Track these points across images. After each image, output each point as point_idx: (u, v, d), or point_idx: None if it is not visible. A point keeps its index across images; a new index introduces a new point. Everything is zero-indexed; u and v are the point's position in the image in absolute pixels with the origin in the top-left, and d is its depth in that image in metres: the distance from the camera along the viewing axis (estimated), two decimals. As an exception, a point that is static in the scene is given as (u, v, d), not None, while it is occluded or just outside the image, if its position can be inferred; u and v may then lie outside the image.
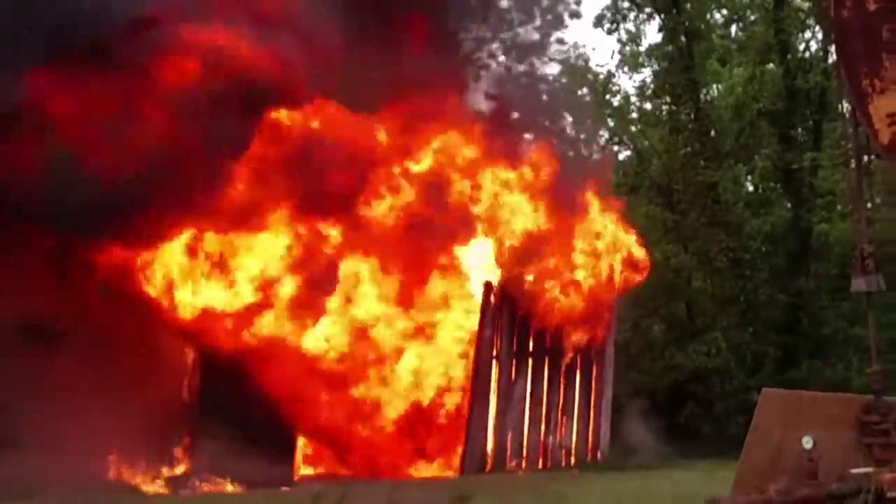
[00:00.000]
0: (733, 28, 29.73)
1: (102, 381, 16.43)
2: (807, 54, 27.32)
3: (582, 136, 26.53)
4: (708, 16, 28.25)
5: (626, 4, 29.46)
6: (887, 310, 20.98)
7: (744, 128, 27.25)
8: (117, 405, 16.41)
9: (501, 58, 22.18)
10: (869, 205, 6.02)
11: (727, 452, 13.60)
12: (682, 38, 24.95)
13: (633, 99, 31.90)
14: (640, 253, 20.24)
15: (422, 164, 19.13)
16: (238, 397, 17.09)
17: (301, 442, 18.51)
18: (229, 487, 17.02)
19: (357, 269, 18.58)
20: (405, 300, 18.75)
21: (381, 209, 18.55)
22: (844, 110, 5.57)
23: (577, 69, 28.24)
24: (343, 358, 18.39)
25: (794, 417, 5.75)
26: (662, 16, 25.84)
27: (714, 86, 28.16)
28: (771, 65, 26.73)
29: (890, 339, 20.93)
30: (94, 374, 16.44)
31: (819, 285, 24.71)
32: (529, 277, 19.13)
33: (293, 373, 17.83)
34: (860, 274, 5.72)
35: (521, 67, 21.27)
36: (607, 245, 19.89)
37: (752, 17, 28.86)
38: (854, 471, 5.51)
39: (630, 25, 30.40)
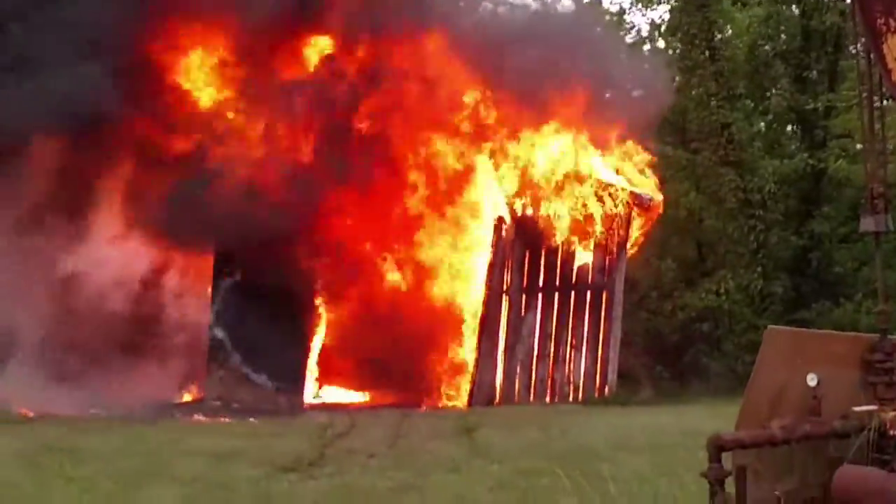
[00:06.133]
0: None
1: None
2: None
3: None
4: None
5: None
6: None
7: (758, 68, 27.08)
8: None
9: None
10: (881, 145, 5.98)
11: (734, 390, 13.68)
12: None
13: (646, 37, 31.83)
14: (655, 194, 20.19)
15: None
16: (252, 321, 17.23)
17: (311, 370, 18.61)
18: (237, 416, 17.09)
19: None
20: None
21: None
22: (859, 50, 5.52)
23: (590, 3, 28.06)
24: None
25: (798, 355, 5.75)
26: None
27: (728, 26, 27.94)
28: (787, 6, 26.56)
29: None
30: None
31: (831, 227, 24.70)
32: (542, 212, 19.09)
33: None
34: (869, 213, 5.69)
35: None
36: (623, 184, 19.85)
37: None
38: (857, 409, 5.53)
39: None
